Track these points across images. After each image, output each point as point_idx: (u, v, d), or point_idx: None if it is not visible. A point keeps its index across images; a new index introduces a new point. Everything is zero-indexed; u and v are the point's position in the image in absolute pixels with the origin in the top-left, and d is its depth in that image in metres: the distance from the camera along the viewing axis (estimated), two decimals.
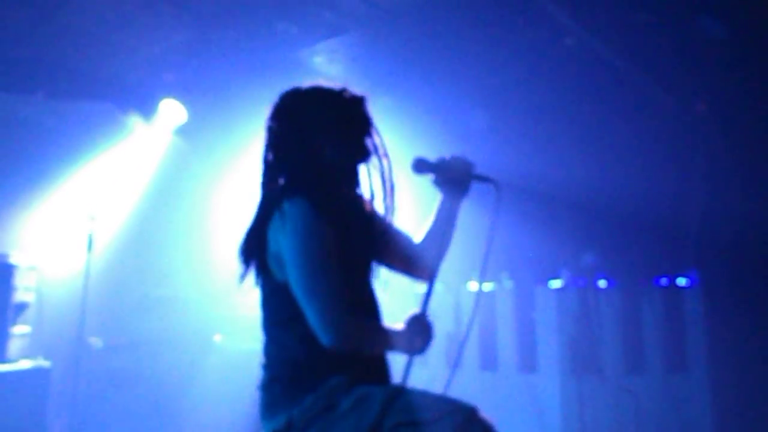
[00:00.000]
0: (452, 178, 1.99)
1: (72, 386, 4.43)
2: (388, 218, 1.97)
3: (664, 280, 4.96)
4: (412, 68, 4.53)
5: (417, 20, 4.04)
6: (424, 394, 1.77)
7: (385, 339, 1.85)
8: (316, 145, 1.88)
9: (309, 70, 4.67)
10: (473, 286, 5.45)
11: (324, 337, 1.73)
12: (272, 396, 1.82)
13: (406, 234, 2.05)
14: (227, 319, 4.98)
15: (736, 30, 3.82)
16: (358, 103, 1.95)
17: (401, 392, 1.77)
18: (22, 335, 4.30)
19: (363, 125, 1.94)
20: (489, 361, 5.30)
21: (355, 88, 1.96)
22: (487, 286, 5.47)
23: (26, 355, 4.30)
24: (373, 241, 1.93)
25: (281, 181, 1.88)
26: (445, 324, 4.66)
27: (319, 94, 1.94)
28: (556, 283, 5.06)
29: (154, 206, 5.50)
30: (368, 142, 1.95)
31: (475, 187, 2.04)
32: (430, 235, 2.06)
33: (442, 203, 2.05)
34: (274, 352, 1.85)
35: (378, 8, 3.97)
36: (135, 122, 5.11)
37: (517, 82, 4.64)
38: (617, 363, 4.84)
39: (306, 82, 1.98)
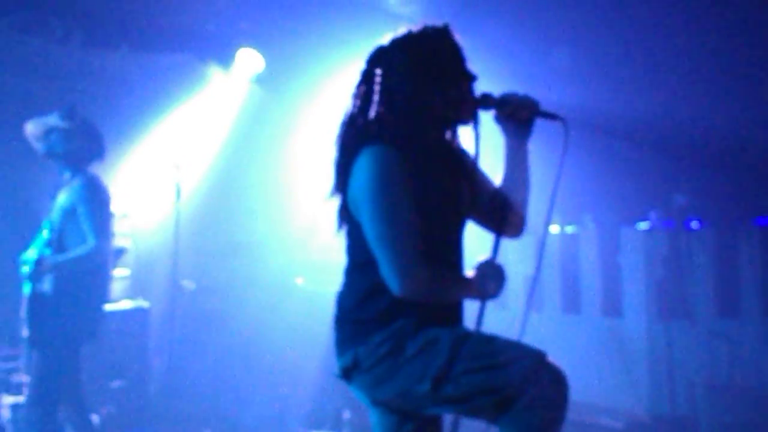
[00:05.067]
0: (515, 114, 1.89)
1: (169, 326, 4.72)
2: (477, 165, 1.92)
3: (763, 220, 4.67)
4: (490, 5, 4.34)
5: None
6: (492, 339, 1.75)
7: (456, 287, 1.84)
8: (416, 88, 1.83)
9: (383, 12, 4.57)
10: (555, 228, 5.34)
11: (393, 285, 1.73)
12: (342, 335, 1.85)
13: (497, 192, 1.97)
14: (306, 263, 5.12)
15: None
16: (443, 34, 1.88)
17: (469, 337, 1.75)
18: (123, 278, 4.58)
19: (456, 54, 1.88)
20: (571, 305, 5.22)
21: (434, 22, 1.89)
22: (570, 229, 5.34)
23: (127, 296, 4.59)
24: (460, 193, 1.88)
25: (370, 123, 1.84)
26: (526, 267, 4.59)
27: (406, 38, 1.88)
28: (643, 225, 4.87)
29: (234, 154, 5.64)
30: (466, 67, 1.88)
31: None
32: (506, 184, 1.96)
33: (508, 147, 1.95)
34: (346, 292, 1.88)
35: None
36: (214, 72, 5.21)
37: (601, 14, 4.37)
38: (709, 307, 4.65)
39: (396, 30, 1.91)
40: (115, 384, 4.32)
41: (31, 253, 3.21)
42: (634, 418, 4.48)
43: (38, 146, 3.36)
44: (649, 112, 4.49)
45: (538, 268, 1.97)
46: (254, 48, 5.10)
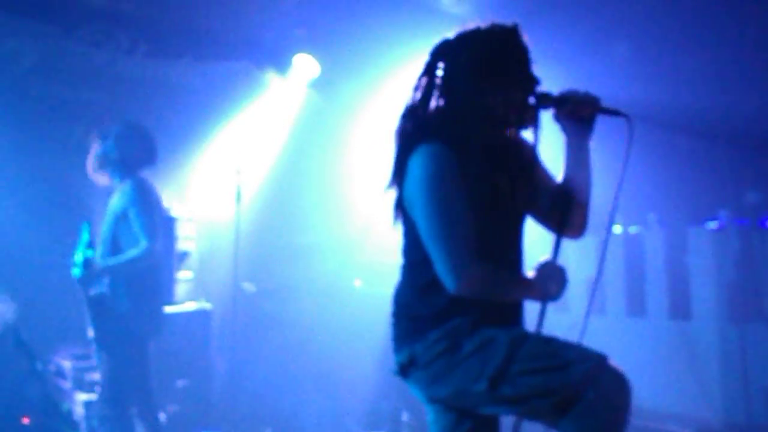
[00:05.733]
0: (576, 112, 1.82)
1: (230, 327, 4.82)
2: (538, 162, 1.88)
3: None
4: (546, 2, 4.26)
5: None
6: (550, 341, 1.72)
7: (513, 287, 1.81)
8: (478, 86, 1.81)
9: (437, 13, 4.55)
10: (618, 229, 5.18)
11: (448, 283, 1.72)
12: (399, 331, 1.86)
13: (558, 191, 1.91)
14: (365, 264, 5.14)
15: None
16: (511, 34, 1.84)
17: (526, 338, 1.73)
18: (187, 280, 4.71)
19: (522, 55, 1.85)
20: (636, 307, 5.05)
21: (504, 21, 1.86)
22: (633, 229, 5.17)
23: (191, 298, 4.71)
24: (516, 192, 1.84)
25: (428, 117, 1.83)
26: (587, 269, 4.47)
27: (473, 35, 1.86)
28: (712, 225, 4.67)
29: (292, 158, 5.73)
30: (532, 70, 1.85)
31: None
32: (567, 184, 1.89)
33: (569, 145, 1.88)
34: (403, 288, 1.89)
35: None
36: (271, 78, 5.30)
37: (664, 4, 4.22)
38: None
39: (460, 28, 1.89)
40: (180, 383, 4.44)
41: (78, 256, 3.26)
42: (705, 426, 4.30)
43: (96, 150, 3.47)
44: (716, 104, 4.30)
45: (600, 270, 1.91)
46: (310, 54, 5.18)
